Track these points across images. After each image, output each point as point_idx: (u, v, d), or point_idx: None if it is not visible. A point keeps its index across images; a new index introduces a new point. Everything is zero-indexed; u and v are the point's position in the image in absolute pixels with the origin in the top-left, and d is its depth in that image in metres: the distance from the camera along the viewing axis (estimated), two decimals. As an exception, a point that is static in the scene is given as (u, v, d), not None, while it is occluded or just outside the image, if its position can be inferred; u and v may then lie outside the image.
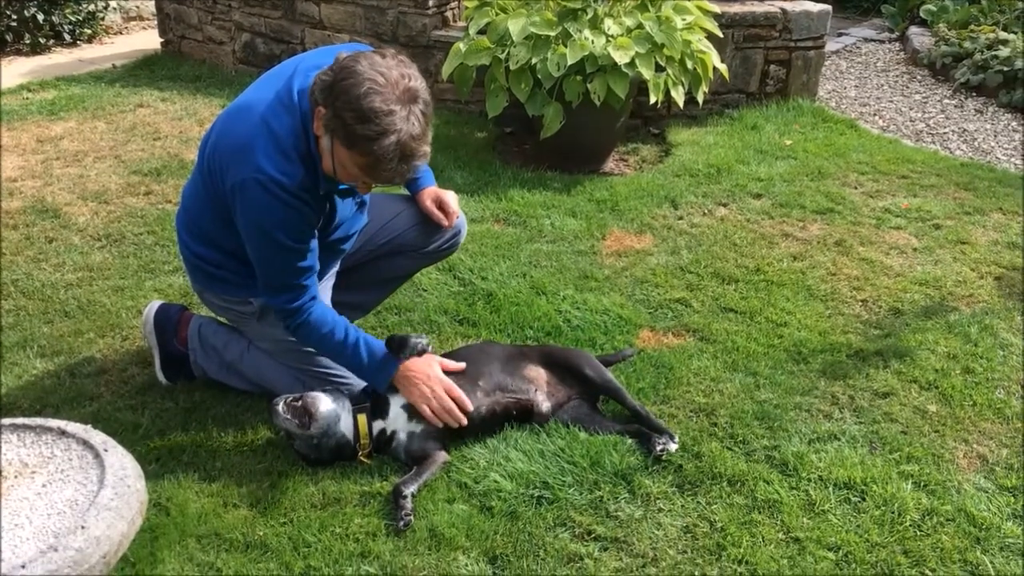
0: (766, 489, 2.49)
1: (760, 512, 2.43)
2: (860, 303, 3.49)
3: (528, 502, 2.44)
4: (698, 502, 2.46)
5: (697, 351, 3.14)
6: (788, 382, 2.98)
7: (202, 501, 2.44)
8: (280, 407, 2.54)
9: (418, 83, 2.34)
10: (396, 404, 2.64)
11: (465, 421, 2.60)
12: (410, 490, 2.45)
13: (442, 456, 2.59)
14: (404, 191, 3.04)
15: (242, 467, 2.58)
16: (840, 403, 2.89)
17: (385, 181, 2.42)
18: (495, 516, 2.40)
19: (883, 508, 2.44)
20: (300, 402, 2.55)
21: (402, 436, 2.62)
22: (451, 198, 2.99)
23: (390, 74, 2.28)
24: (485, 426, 2.67)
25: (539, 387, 2.75)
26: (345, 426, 2.58)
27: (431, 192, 2.98)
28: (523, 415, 2.71)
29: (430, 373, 2.61)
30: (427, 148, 2.37)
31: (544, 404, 2.72)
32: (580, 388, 2.79)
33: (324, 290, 2.86)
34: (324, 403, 2.57)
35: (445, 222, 2.96)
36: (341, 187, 2.56)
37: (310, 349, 2.72)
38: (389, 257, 3.03)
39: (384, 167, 2.31)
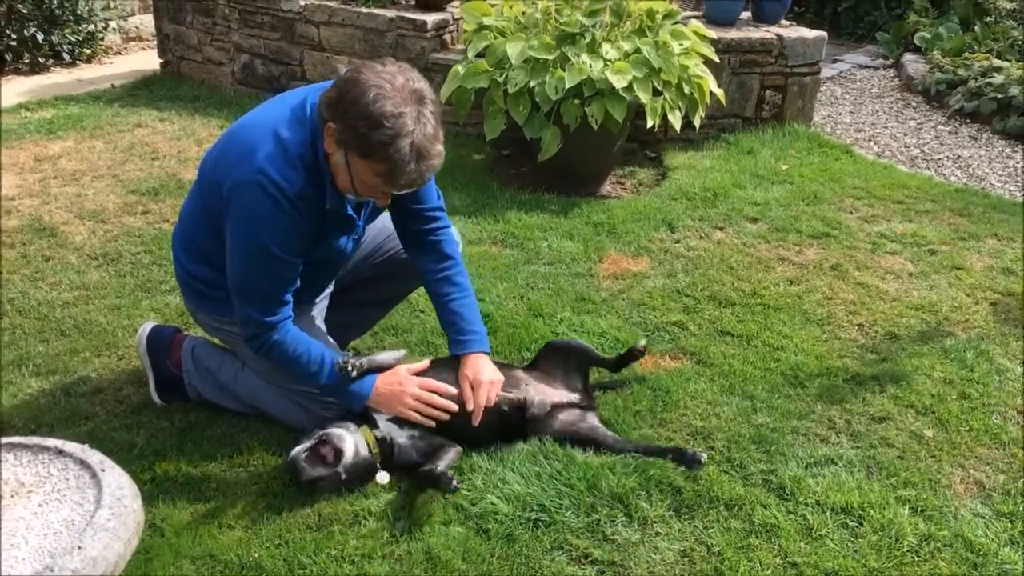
0: (763, 513, 2.49)
1: (757, 536, 2.42)
2: (856, 327, 3.50)
3: (525, 525, 2.43)
4: (695, 526, 2.45)
5: (694, 374, 3.14)
6: (785, 406, 2.98)
7: (197, 522, 2.43)
8: (303, 462, 2.47)
9: (423, 84, 2.35)
10: (381, 417, 2.63)
11: (455, 407, 2.60)
12: (442, 466, 2.50)
13: (455, 447, 2.60)
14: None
15: (237, 488, 2.57)
16: (837, 427, 2.89)
17: (405, 186, 2.39)
18: (492, 539, 2.38)
19: (880, 533, 2.44)
20: (322, 447, 2.50)
21: (402, 441, 2.61)
22: (484, 389, 2.63)
23: (395, 79, 2.30)
24: (483, 432, 2.65)
25: (529, 383, 2.75)
26: (363, 447, 2.56)
27: (473, 366, 2.68)
28: (518, 414, 2.70)
29: (401, 381, 2.61)
30: (441, 147, 2.36)
31: (536, 398, 2.71)
32: (564, 373, 2.83)
33: (319, 310, 2.86)
34: (346, 439, 2.52)
35: (467, 403, 2.63)
36: (347, 212, 2.55)
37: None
38: (385, 277, 3.03)
39: (403, 171, 2.30)
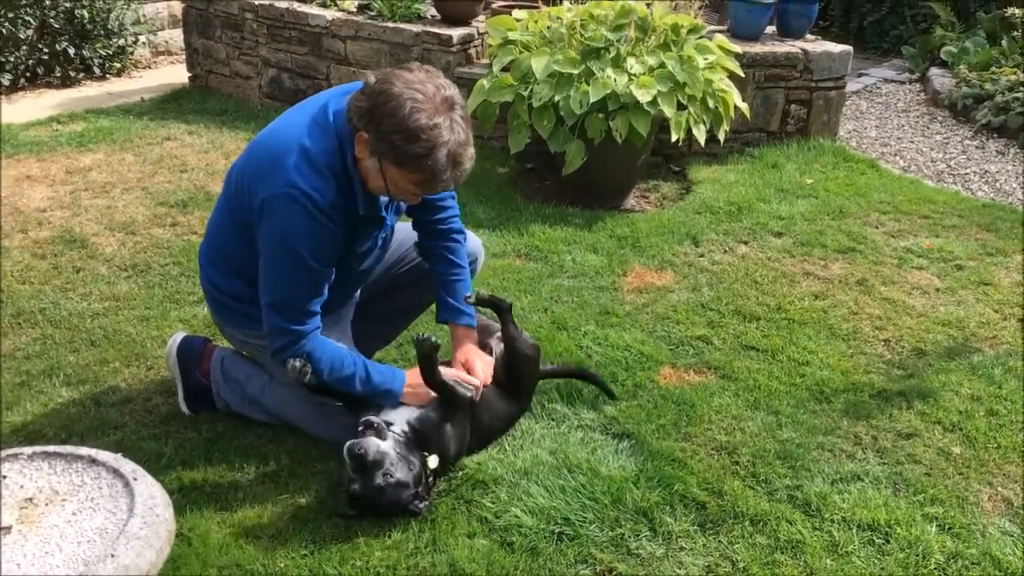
0: (789, 529, 2.48)
1: (783, 553, 2.41)
2: (883, 343, 3.48)
3: (549, 538, 2.44)
4: (720, 541, 2.45)
5: (719, 389, 3.14)
6: (810, 421, 2.97)
7: (224, 531, 2.45)
8: (359, 443, 2.43)
9: (452, 91, 2.40)
10: (394, 414, 2.62)
11: (478, 382, 2.70)
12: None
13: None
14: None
15: (264, 498, 2.59)
16: (863, 443, 2.87)
17: (441, 190, 2.50)
18: (516, 552, 2.39)
19: (907, 551, 2.42)
20: (367, 430, 2.49)
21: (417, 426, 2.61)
22: (480, 366, 2.77)
23: (425, 88, 2.34)
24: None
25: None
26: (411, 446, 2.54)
27: (465, 349, 2.81)
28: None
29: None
30: (472, 150, 2.42)
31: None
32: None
33: (343, 319, 2.88)
34: (374, 443, 2.48)
35: (464, 387, 2.68)
36: (379, 212, 2.60)
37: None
38: (408, 287, 3.05)
39: (440, 179, 2.37)
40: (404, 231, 3.00)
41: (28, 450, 1.85)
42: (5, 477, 1.77)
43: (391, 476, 2.41)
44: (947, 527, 2.52)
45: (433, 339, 2.54)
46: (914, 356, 3.39)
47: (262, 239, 2.51)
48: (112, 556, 1.54)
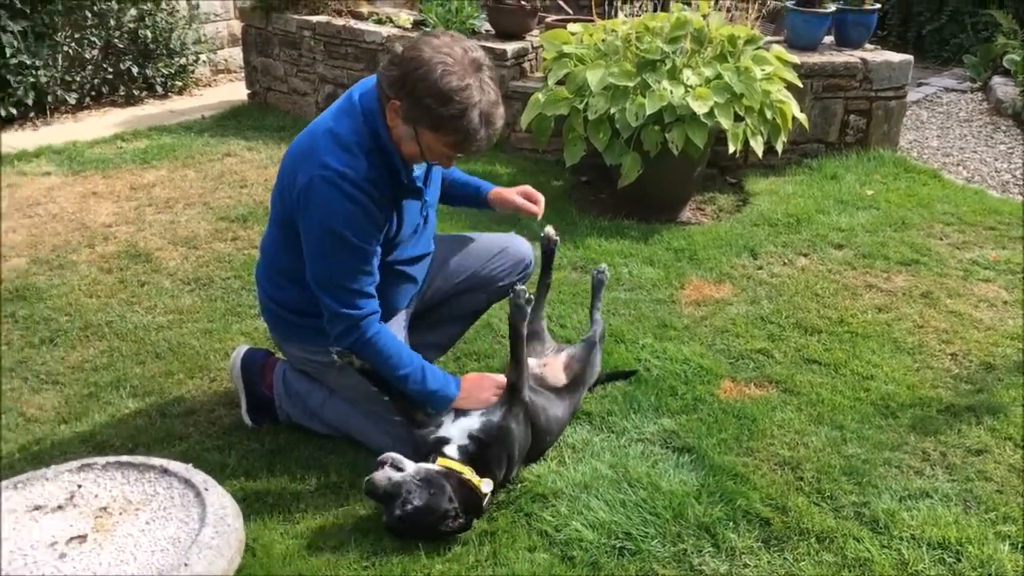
0: (856, 547, 2.43)
1: (850, 571, 2.36)
2: (949, 357, 3.40)
3: (610, 553, 2.42)
4: (785, 558, 2.41)
5: (780, 403, 3.09)
6: (876, 437, 2.91)
7: (287, 543, 2.47)
8: (372, 478, 2.45)
9: (478, 52, 2.47)
10: (454, 429, 2.63)
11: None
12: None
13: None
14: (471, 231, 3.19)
15: (325, 509, 2.61)
16: (931, 459, 2.81)
17: (475, 151, 2.53)
18: (577, 566, 2.38)
19: (980, 570, 2.36)
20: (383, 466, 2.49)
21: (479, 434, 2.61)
22: (530, 189, 3.08)
23: (453, 51, 2.40)
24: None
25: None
26: (435, 466, 2.53)
27: (507, 190, 3.07)
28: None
29: (478, 376, 2.74)
30: (502, 110, 2.49)
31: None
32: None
33: (398, 329, 2.89)
34: (405, 460, 2.50)
35: (536, 210, 3.03)
36: (416, 184, 2.65)
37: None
38: (462, 294, 3.08)
39: (474, 139, 2.44)
40: (453, 241, 3.08)
41: (102, 460, 1.89)
42: (80, 487, 1.81)
43: (409, 504, 2.41)
44: (1020, 546, 2.45)
45: (528, 295, 2.64)
46: (982, 370, 3.31)
47: (304, 227, 2.56)
48: (185, 565, 1.56)
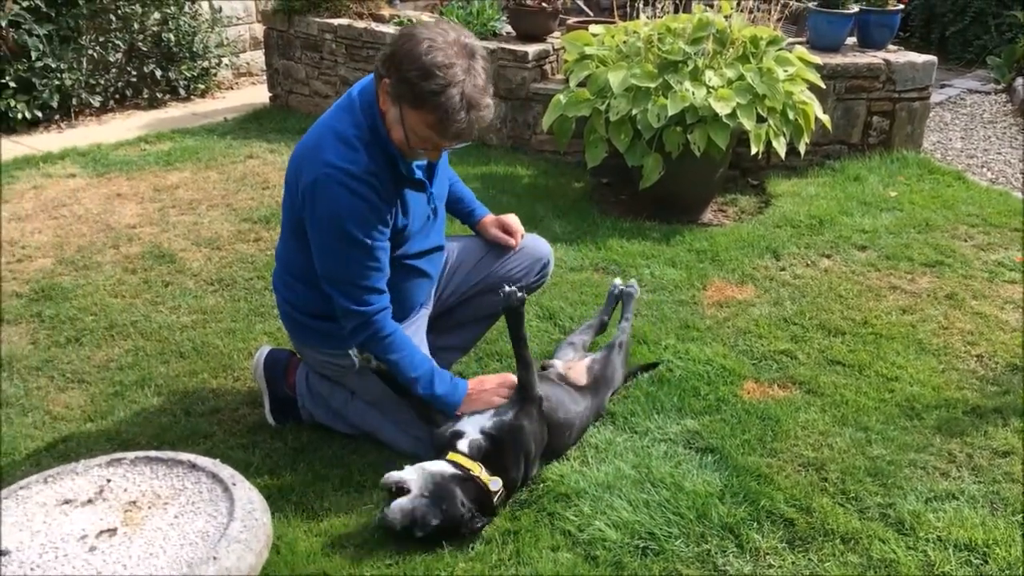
0: (882, 548, 2.41)
1: (876, 572, 2.35)
2: (975, 358, 3.38)
3: (634, 552, 2.41)
4: (810, 559, 2.40)
5: (804, 404, 3.08)
6: (901, 438, 2.89)
7: (310, 540, 2.48)
8: (385, 512, 2.45)
9: (474, 41, 2.47)
10: (467, 424, 2.62)
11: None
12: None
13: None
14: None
15: (348, 507, 2.62)
16: (958, 461, 2.79)
17: (455, 137, 2.48)
18: (600, 566, 2.37)
19: (1007, 572, 2.34)
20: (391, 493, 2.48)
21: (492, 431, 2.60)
22: (513, 219, 3.11)
23: (447, 34, 2.42)
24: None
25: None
26: (438, 469, 2.51)
27: (491, 220, 3.12)
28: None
29: (482, 379, 2.73)
30: (490, 100, 2.47)
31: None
32: None
33: (417, 331, 2.90)
34: (404, 475, 2.48)
35: (512, 243, 3.08)
36: (416, 175, 2.65)
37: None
38: (480, 295, 3.09)
39: (453, 120, 2.39)
40: (471, 244, 3.10)
41: (131, 455, 1.91)
42: (110, 481, 1.83)
43: (428, 526, 2.42)
44: (1049, 549, 2.42)
45: (521, 294, 2.63)
46: (1008, 372, 3.28)
47: (310, 226, 2.58)
48: (214, 559, 1.57)
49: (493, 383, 2.74)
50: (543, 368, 2.98)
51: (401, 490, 2.45)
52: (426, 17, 6.34)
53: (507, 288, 2.63)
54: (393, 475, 2.47)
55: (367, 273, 2.58)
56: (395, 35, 2.47)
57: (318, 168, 2.50)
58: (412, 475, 2.47)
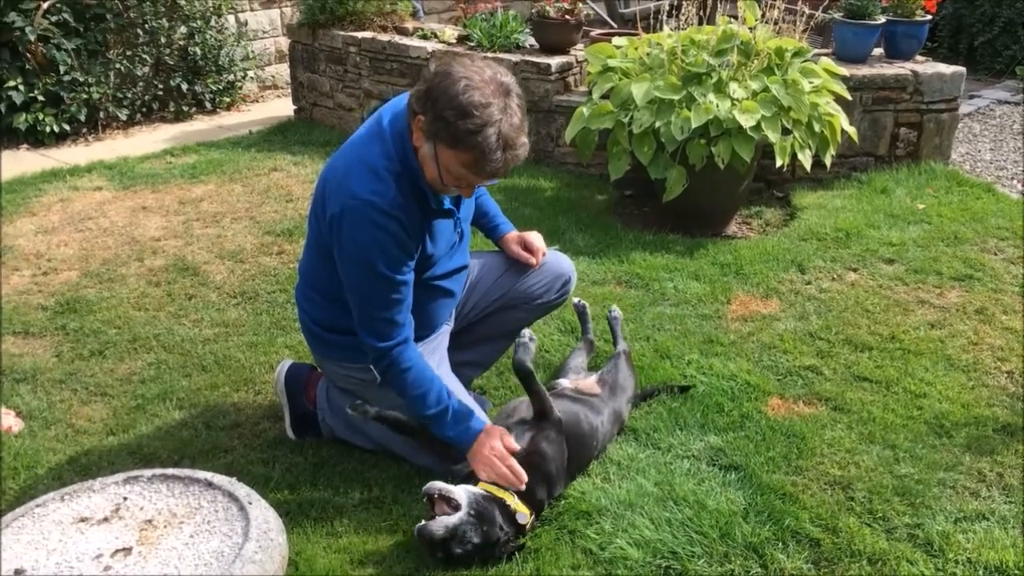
0: (910, 569, 2.36)
1: (904, 594, 2.30)
2: (1005, 375, 3.31)
3: (655, 572, 2.38)
4: (836, 581, 2.35)
5: (830, 421, 3.03)
6: (930, 456, 2.83)
7: (329, 557, 2.46)
8: (426, 525, 2.39)
9: (510, 79, 2.44)
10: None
11: (520, 486, 2.52)
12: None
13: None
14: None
15: (368, 524, 2.60)
16: (988, 480, 2.73)
17: (490, 176, 2.45)
18: (622, 585, 2.34)
19: (1040, 596, 2.28)
20: (434, 505, 2.43)
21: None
22: (535, 237, 3.08)
23: (483, 72, 2.39)
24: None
25: None
26: (480, 491, 2.48)
27: (514, 236, 3.09)
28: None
29: (493, 445, 2.55)
30: (526, 139, 2.44)
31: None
32: None
33: (437, 349, 2.88)
34: (454, 490, 2.44)
35: (533, 261, 3.04)
36: (445, 205, 2.62)
37: None
38: (502, 311, 3.06)
39: (489, 159, 2.37)
40: (492, 260, 3.07)
41: (148, 472, 1.90)
42: (126, 499, 1.82)
43: (469, 544, 2.38)
44: (1084, 572, 2.36)
45: (531, 334, 2.66)
46: (1041, 389, 3.22)
47: (337, 256, 2.57)
48: (228, 579, 1.56)
49: (502, 455, 2.55)
50: (550, 390, 2.91)
51: (441, 499, 2.40)
52: (449, 30, 6.35)
53: (520, 340, 2.62)
54: (439, 484, 2.42)
55: (389, 307, 2.57)
56: (430, 72, 2.43)
57: (344, 199, 2.48)
58: (461, 492, 2.43)
